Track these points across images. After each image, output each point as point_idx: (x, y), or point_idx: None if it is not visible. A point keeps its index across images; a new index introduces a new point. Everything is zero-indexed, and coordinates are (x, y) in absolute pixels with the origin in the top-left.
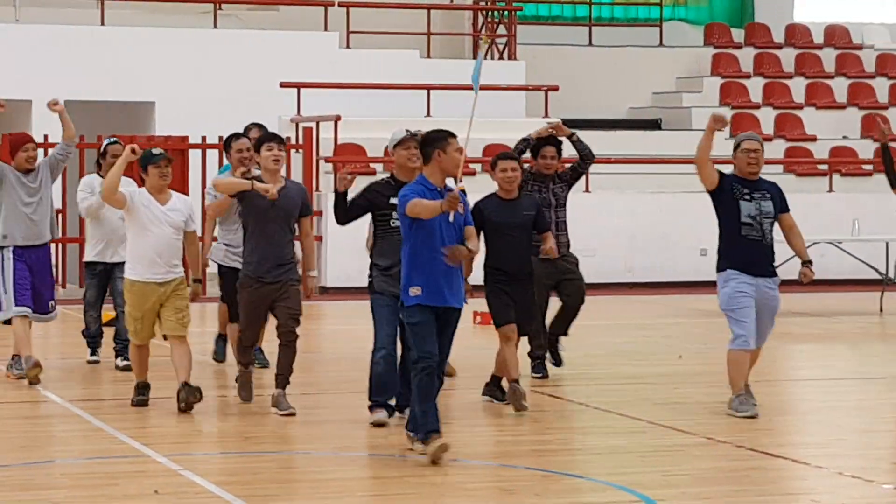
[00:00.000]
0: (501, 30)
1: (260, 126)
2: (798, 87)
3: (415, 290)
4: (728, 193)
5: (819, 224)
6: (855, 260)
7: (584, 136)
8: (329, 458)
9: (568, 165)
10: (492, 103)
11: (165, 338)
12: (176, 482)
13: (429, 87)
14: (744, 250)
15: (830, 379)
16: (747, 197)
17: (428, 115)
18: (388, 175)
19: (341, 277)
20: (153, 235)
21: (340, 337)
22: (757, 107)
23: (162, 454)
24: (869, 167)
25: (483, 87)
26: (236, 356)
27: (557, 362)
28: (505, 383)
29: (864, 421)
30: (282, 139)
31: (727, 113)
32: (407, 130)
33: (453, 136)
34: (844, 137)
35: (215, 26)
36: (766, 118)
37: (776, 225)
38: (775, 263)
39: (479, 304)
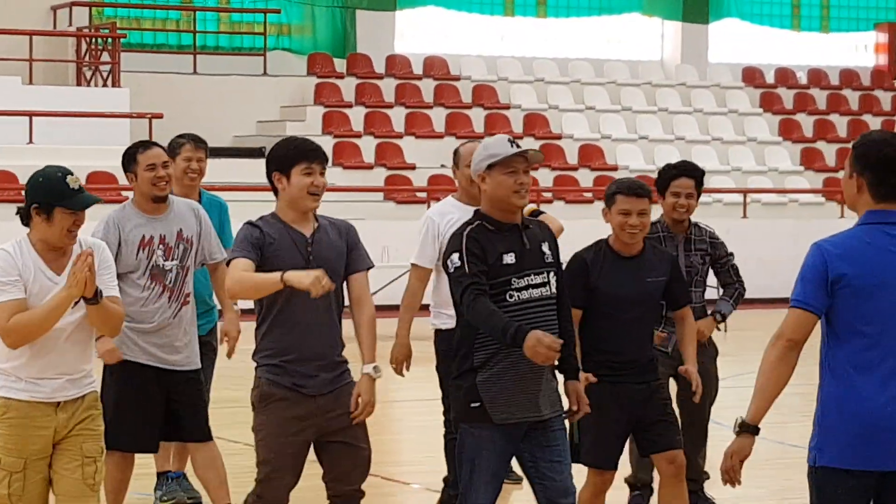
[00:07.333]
0: (105, 57)
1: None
2: (398, 117)
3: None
4: None
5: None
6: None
7: None
8: None
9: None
10: (95, 131)
11: None
12: None
13: (31, 114)
14: None
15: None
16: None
17: (30, 142)
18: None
19: None
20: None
21: None
22: (359, 136)
23: None
24: None
25: (85, 115)
26: None
27: None
28: None
29: None
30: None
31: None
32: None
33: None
34: (442, 166)
35: None
36: (368, 147)
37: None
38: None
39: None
